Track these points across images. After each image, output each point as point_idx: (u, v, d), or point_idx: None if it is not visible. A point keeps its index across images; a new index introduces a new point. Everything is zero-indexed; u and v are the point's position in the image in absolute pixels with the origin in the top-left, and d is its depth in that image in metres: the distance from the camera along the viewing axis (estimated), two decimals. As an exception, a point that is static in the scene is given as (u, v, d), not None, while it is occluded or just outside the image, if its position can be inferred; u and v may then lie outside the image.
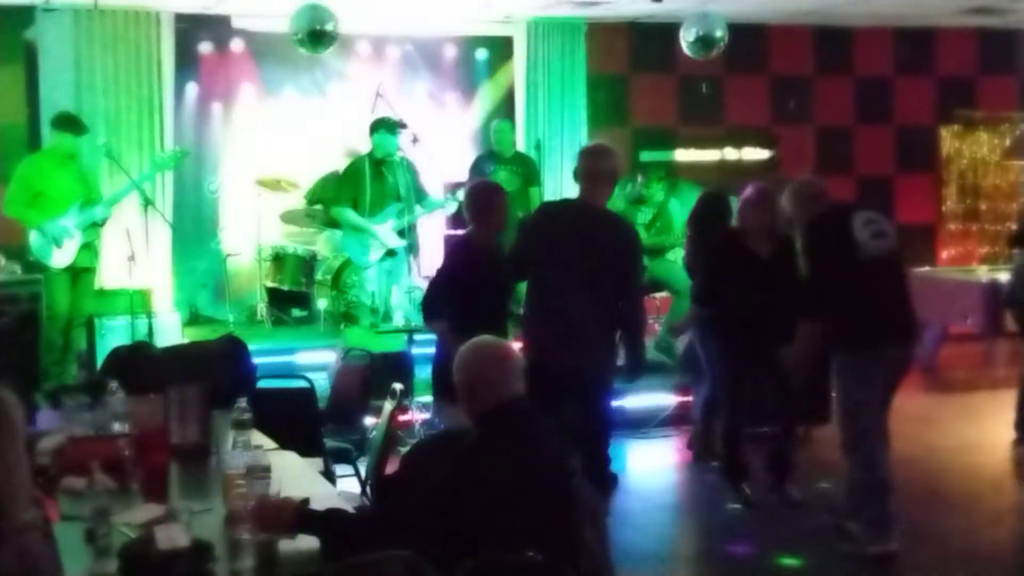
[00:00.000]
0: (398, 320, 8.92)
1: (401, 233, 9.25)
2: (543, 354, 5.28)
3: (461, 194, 9.33)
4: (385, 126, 9.15)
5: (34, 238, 8.19)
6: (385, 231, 9.22)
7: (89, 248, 8.38)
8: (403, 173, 9.22)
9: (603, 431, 5.51)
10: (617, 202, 8.49)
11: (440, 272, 6.04)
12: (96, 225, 8.40)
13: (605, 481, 5.38)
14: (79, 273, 8.35)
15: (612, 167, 5.60)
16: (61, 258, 8.17)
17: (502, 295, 5.92)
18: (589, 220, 5.42)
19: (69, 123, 8.41)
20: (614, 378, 5.74)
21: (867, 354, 5.49)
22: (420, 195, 9.35)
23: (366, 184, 9.21)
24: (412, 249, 9.42)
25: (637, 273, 5.59)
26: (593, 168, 5.45)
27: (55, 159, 8.33)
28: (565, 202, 5.56)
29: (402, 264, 9.40)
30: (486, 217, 5.86)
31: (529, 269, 5.52)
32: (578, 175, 5.52)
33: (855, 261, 5.49)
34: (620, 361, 5.76)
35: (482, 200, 5.93)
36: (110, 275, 9.24)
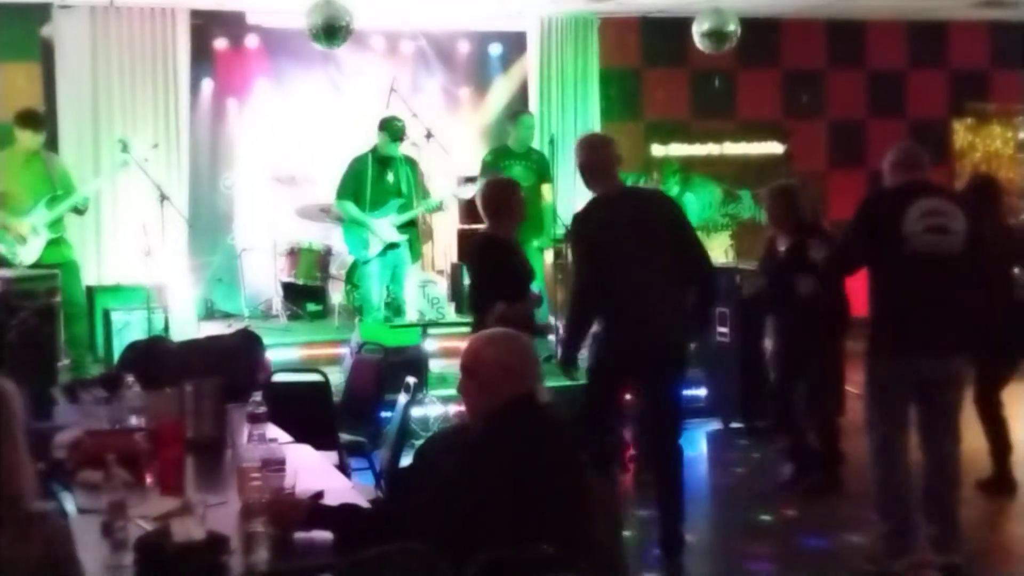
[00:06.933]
0: (411, 314, 8.94)
1: (402, 228, 9.29)
2: (627, 346, 5.28)
3: (466, 191, 9.42)
4: (389, 131, 9.16)
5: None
6: (383, 225, 9.23)
7: (61, 243, 8.37)
8: (405, 170, 9.27)
9: (679, 409, 5.55)
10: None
11: (481, 273, 5.93)
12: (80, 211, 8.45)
13: (674, 457, 5.36)
14: (59, 268, 8.27)
15: (615, 153, 5.60)
16: (27, 255, 8.17)
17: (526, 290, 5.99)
18: (625, 205, 5.39)
19: (30, 120, 8.31)
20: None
21: (886, 362, 5.08)
22: (421, 193, 9.40)
23: (367, 180, 9.24)
24: (414, 244, 9.45)
25: (693, 230, 5.59)
26: (595, 160, 5.43)
27: (19, 157, 8.29)
28: (596, 201, 5.47)
29: (404, 258, 9.41)
30: (506, 213, 5.90)
31: (600, 272, 5.35)
32: (585, 170, 5.48)
33: (895, 254, 4.97)
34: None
35: (499, 198, 5.94)
36: (126, 270, 9.31)
